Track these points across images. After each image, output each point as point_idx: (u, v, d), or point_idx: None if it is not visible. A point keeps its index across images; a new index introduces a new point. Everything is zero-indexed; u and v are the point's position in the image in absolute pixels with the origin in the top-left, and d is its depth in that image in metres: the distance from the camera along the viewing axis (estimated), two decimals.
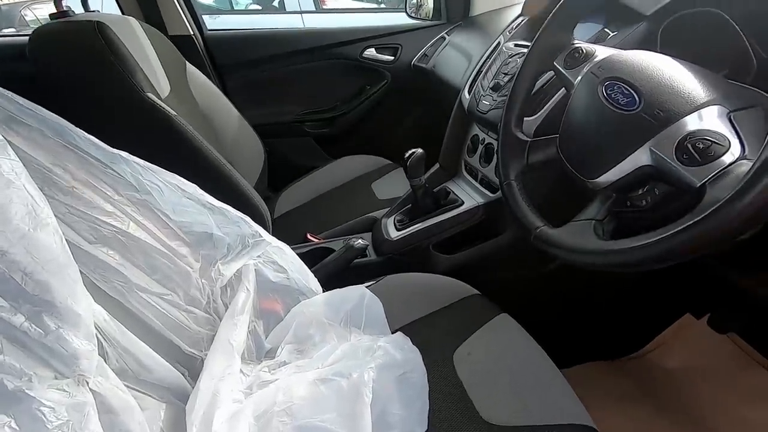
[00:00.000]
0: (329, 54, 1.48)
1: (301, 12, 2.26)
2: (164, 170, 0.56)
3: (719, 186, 0.38)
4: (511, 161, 0.63)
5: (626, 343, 1.03)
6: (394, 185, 1.22)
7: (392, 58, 1.50)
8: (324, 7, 2.81)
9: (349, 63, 1.49)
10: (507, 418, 0.53)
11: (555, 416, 0.53)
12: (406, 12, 1.54)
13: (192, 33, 1.37)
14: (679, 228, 0.37)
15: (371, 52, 1.49)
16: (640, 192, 0.47)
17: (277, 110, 1.51)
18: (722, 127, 0.41)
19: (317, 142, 1.56)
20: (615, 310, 0.98)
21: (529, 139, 0.63)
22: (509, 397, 0.56)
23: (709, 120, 0.42)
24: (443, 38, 1.41)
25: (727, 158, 0.39)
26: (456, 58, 1.25)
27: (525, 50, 0.81)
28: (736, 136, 0.40)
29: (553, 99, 0.72)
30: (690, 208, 0.38)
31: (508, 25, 1.02)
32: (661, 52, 0.51)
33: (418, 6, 1.51)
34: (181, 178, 0.57)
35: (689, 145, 0.40)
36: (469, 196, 0.94)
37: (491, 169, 0.91)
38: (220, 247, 0.64)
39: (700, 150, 0.40)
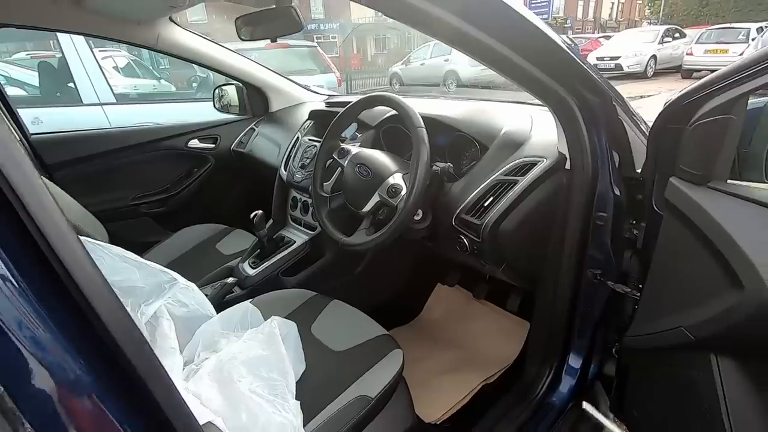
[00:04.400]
0: (158, 146, 1.76)
1: (101, 104, 2.37)
2: (113, 246, 0.85)
3: (401, 206, 0.96)
4: (321, 208, 1.14)
5: (410, 312, 1.65)
6: (235, 242, 1.57)
7: (213, 145, 1.88)
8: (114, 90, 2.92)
9: (176, 152, 1.81)
10: (344, 346, 0.99)
11: (368, 336, 1.02)
12: (215, 106, 1.96)
13: (19, 138, 1.46)
14: (387, 227, 0.94)
15: (195, 142, 1.85)
16: (380, 212, 1.03)
17: (112, 197, 1.69)
18: (400, 181, 1.01)
19: (155, 220, 1.79)
20: (399, 293, 1.58)
21: (328, 195, 1.16)
22: (345, 337, 1.02)
23: (396, 179, 1.01)
24: (253, 129, 1.88)
25: (402, 193, 0.98)
26: (267, 144, 1.73)
27: (316, 143, 1.36)
28: (405, 186, 1.00)
29: (336, 172, 1.28)
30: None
31: (302, 125, 1.57)
32: (383, 145, 1.10)
33: (222, 104, 1.94)
34: (124, 250, 0.86)
35: (388, 190, 0.99)
36: (298, 236, 1.41)
37: (309, 216, 1.40)
38: (141, 295, 0.93)
39: (393, 192, 0.98)
